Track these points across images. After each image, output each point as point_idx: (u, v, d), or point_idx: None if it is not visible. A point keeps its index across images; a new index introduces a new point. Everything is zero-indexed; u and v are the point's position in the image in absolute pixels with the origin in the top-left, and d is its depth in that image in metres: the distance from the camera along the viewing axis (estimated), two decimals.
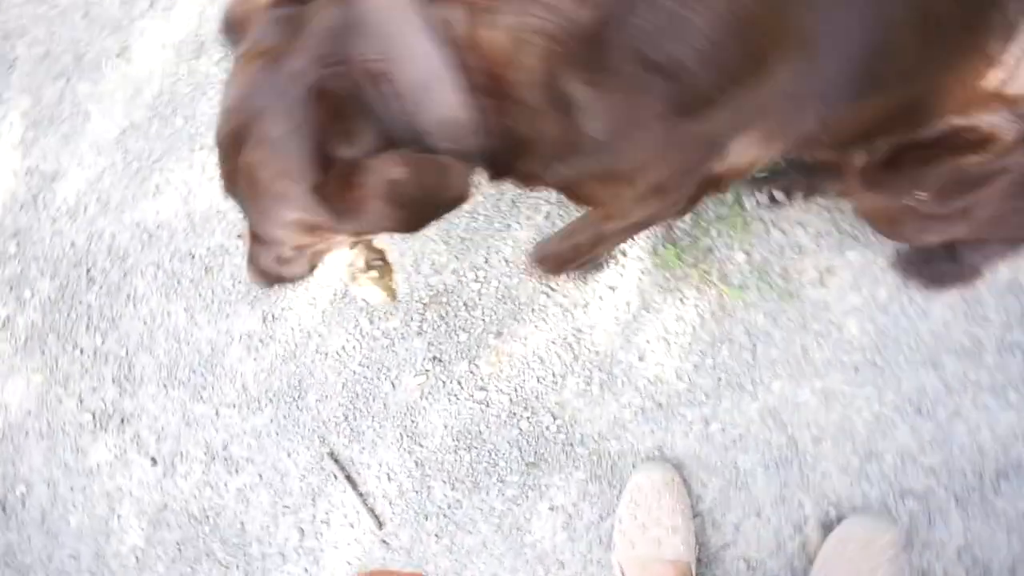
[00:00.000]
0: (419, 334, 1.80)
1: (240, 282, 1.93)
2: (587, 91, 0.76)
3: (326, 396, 1.84)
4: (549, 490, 1.68)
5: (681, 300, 1.67)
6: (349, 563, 1.78)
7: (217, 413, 1.90)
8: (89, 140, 2.08)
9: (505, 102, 0.76)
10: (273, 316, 1.91)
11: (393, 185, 0.74)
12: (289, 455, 1.85)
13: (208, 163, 2.02)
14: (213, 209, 1.97)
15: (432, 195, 0.78)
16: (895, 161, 0.99)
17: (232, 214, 1.97)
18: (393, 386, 1.80)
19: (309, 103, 0.74)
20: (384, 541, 1.76)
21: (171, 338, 1.96)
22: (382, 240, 1.09)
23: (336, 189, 0.76)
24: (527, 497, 1.69)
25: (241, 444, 1.87)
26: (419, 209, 0.80)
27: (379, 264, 1.10)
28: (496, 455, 1.73)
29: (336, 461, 1.82)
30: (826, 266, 1.59)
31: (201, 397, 1.91)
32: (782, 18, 0.74)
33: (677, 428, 1.63)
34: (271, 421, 1.87)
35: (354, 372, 1.83)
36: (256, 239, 0.92)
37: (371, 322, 1.83)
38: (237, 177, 0.82)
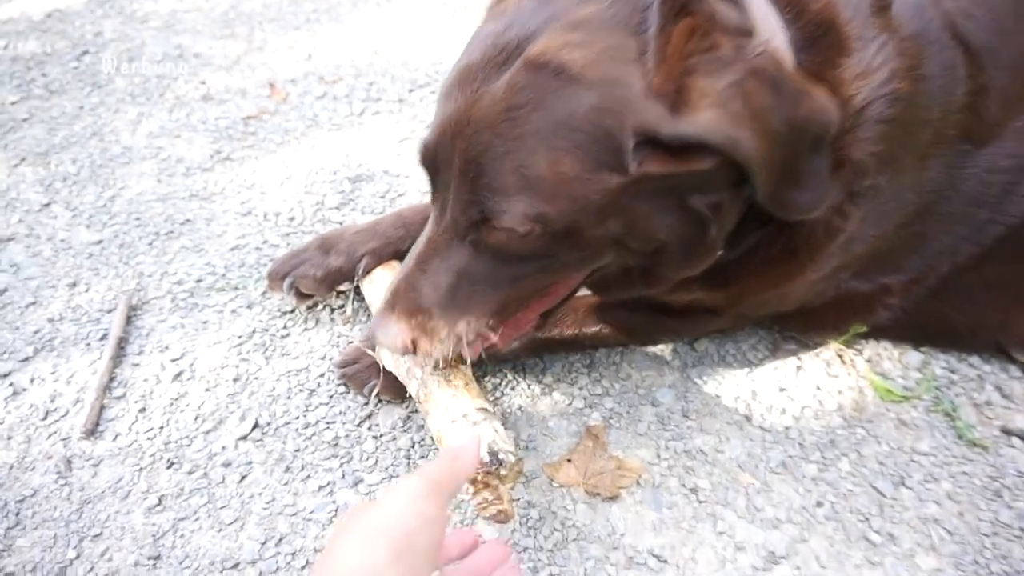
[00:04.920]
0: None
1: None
2: None
3: (217, 236, 1.16)
4: None
5: (797, 363, 0.99)
6: None
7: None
8: None
9: None
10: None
11: (752, 76, 0.56)
12: (74, 284, 1.11)
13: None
14: None
15: (791, 110, 0.58)
16: None
17: None
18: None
19: None
20: (68, 462, 0.88)
21: None
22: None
23: (682, 47, 0.57)
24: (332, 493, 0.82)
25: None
26: (777, 133, 0.57)
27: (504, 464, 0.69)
28: (351, 412, 0.91)
29: (129, 318, 1.05)
30: None
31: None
32: None
33: (710, 538, 0.80)
34: (106, 232, 1.17)
35: (286, 236, 1.17)
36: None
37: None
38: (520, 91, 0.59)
